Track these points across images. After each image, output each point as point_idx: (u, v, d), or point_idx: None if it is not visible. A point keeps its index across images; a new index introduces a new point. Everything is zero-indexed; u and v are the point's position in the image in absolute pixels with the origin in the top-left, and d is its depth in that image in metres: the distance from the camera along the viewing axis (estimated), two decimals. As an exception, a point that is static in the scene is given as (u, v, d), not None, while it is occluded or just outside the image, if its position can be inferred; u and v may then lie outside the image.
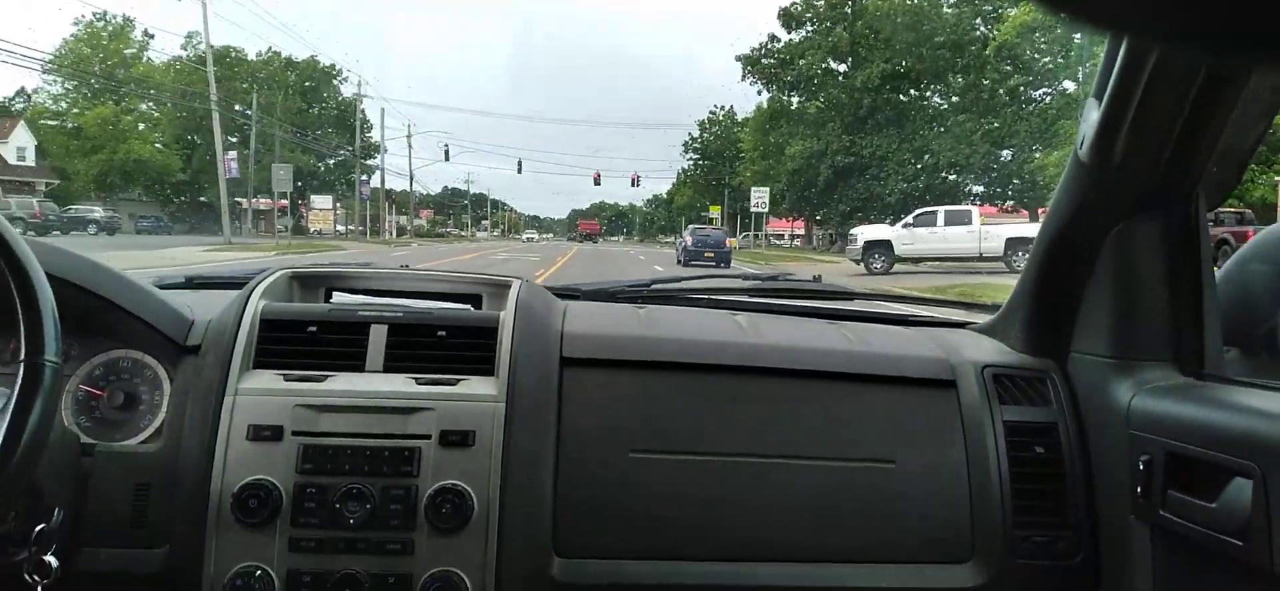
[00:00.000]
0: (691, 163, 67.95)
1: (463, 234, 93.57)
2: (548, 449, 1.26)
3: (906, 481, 1.31)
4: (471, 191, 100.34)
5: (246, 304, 1.33)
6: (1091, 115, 1.13)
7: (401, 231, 65.22)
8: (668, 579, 1.25)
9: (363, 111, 61.65)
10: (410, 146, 61.44)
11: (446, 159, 51.84)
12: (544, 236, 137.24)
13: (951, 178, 35.63)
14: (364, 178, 49.53)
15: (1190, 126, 1.07)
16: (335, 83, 60.34)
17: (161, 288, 1.45)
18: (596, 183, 55.64)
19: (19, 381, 0.95)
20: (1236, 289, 1.31)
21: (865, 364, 1.40)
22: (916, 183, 35.29)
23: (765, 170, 51.20)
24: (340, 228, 52.72)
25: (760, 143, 49.13)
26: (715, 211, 48.54)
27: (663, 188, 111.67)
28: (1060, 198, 1.29)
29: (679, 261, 26.96)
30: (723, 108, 64.76)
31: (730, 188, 62.29)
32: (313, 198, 50.13)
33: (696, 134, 66.72)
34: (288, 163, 53.28)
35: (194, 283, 1.72)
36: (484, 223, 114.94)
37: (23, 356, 0.96)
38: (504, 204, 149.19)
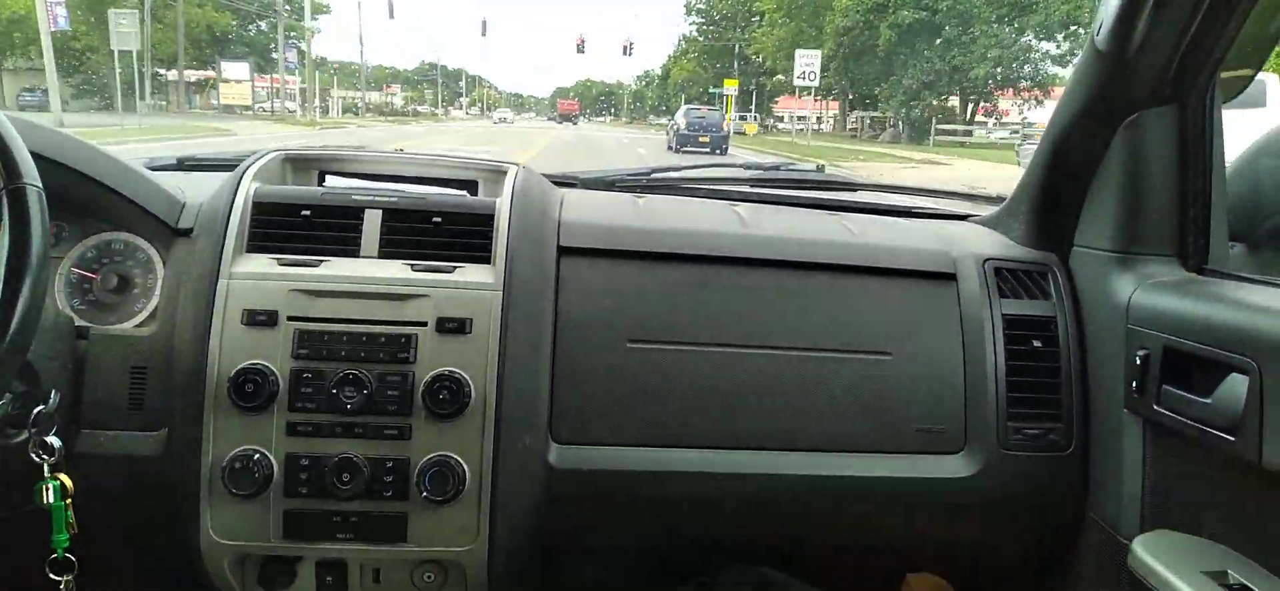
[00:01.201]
0: (695, 28, 56.29)
1: (434, 113, 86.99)
2: (545, 337, 1.29)
3: (902, 372, 1.34)
4: (441, 63, 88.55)
5: (237, 186, 1.33)
6: (1111, 1, 1.13)
7: (350, 109, 54.12)
8: (662, 465, 1.29)
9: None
10: (360, 3, 49.88)
11: (391, 16, 41.27)
12: (524, 115, 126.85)
13: (1060, 47, 25.17)
14: (295, 40, 38.33)
15: (1211, 13, 1.08)
16: None
17: (152, 169, 1.45)
18: (579, 50, 46.10)
19: (5, 213, 0.95)
20: (1246, 184, 1.31)
21: (865, 256, 1.43)
22: (1012, 50, 24.83)
23: (794, 35, 39.89)
24: (273, 105, 41.84)
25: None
26: (731, 86, 38.03)
27: (658, 62, 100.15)
28: (1073, 87, 1.29)
29: (671, 147, 24.88)
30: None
31: (743, 58, 51.23)
32: (224, 66, 39.10)
33: None
34: (205, 23, 41.87)
35: (185, 164, 1.71)
36: (461, 101, 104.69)
37: (3, 185, 0.96)
38: (484, 80, 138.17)
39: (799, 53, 26.19)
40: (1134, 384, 1.19)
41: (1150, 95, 1.21)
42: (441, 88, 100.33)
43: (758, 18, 53.53)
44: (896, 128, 33.80)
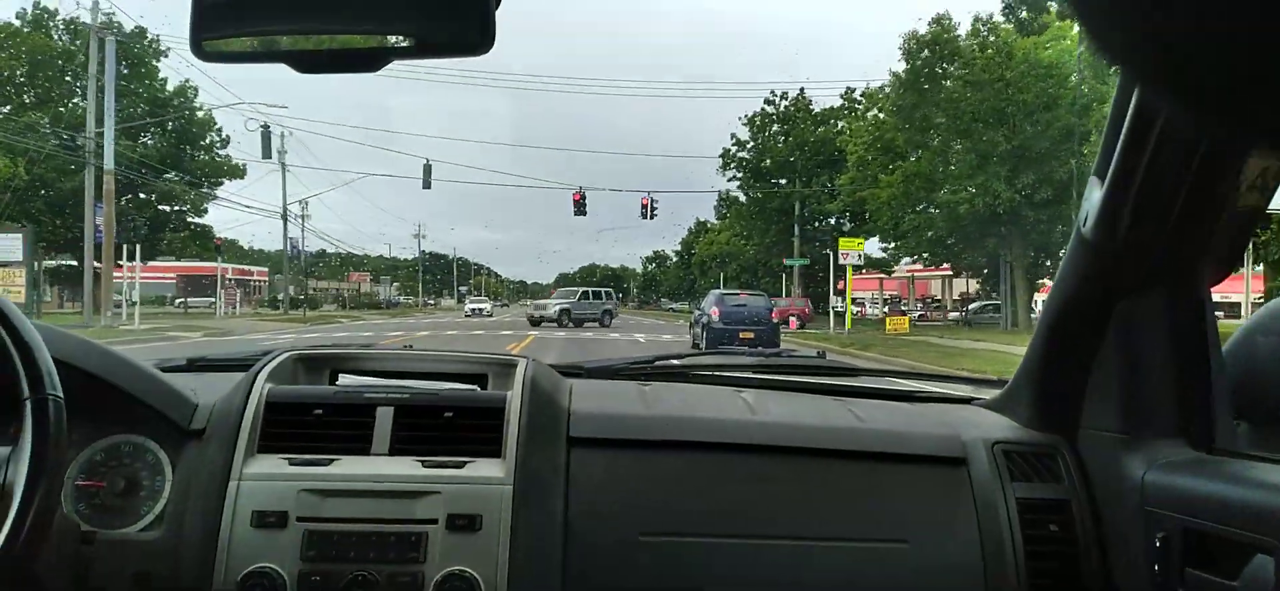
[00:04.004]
0: (735, 182, 39.35)
1: (412, 304, 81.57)
2: (556, 531, 1.32)
3: (920, 561, 1.37)
4: (429, 251, 74.76)
5: (252, 387, 1.40)
6: (1094, 194, 1.23)
7: (272, 304, 36.31)
8: None
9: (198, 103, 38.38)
10: (284, 165, 33.28)
11: (265, 152, 24.71)
12: (523, 304, 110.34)
13: None
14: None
15: (1192, 203, 1.16)
16: (150, 61, 35.37)
17: (164, 370, 1.50)
18: (578, 210, 34.47)
19: (29, 422, 1.02)
20: (1243, 362, 1.36)
21: (874, 442, 1.48)
22: None
23: (927, 170, 21.35)
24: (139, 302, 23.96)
25: (924, 114, 20.05)
26: (853, 248, 20.55)
27: (672, 242, 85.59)
28: (1065, 273, 1.38)
29: (698, 346, 19.18)
30: (781, 93, 36.47)
31: (806, 221, 33.29)
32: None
33: (744, 138, 37.89)
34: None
35: (196, 365, 1.78)
36: (462, 290, 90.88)
37: (26, 395, 1.03)
38: (485, 267, 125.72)
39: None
40: (1156, 567, 1.21)
41: (1139, 282, 1.29)
42: (423, 275, 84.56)
43: (827, 163, 35.75)
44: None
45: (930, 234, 29.06)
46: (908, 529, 1.37)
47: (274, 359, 1.48)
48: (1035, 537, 1.36)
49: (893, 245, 30.15)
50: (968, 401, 1.76)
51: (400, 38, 0.82)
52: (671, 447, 1.41)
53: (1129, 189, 1.14)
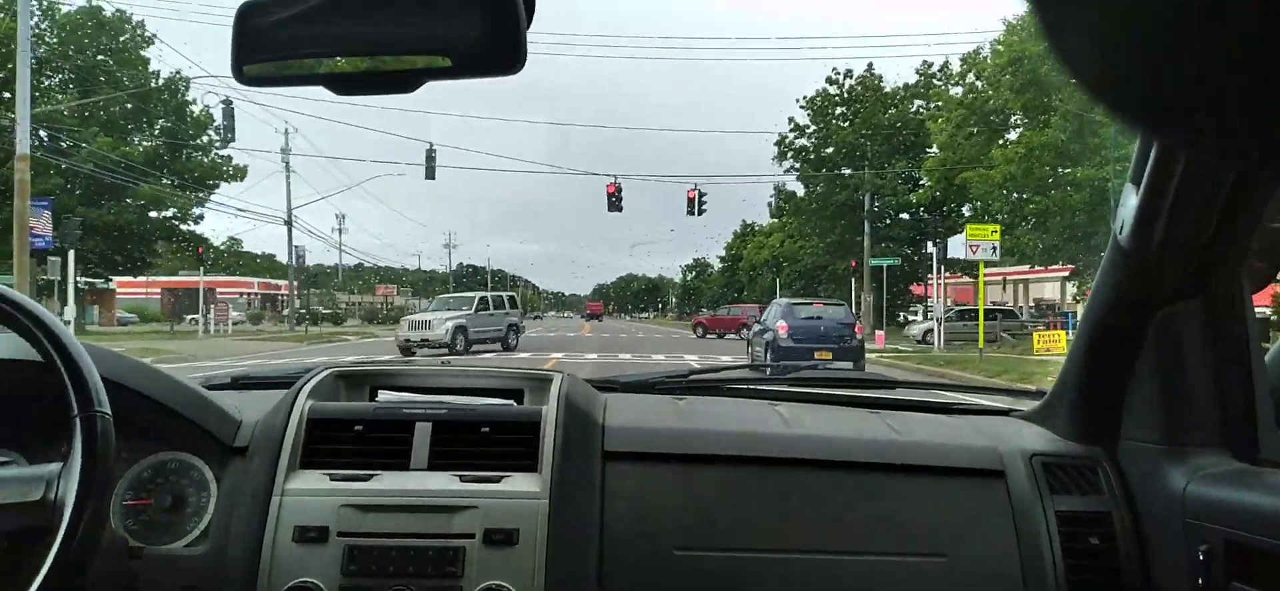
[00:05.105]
0: (793, 172, 33.90)
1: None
2: (592, 546, 1.36)
3: (959, 575, 1.39)
4: (451, 256, 73.72)
5: (294, 404, 1.46)
6: (1129, 201, 1.23)
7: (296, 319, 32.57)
8: None
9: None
10: (288, 165, 29.70)
11: (226, 134, 19.42)
12: (563, 315, 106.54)
13: None
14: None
15: (1229, 210, 1.18)
16: (137, 50, 31.67)
17: (209, 388, 1.60)
18: (614, 203, 29.52)
19: (78, 439, 1.06)
20: None
21: (911, 454, 1.49)
22: None
23: (1059, 143, 15.53)
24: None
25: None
26: (984, 236, 14.00)
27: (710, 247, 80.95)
28: (1101, 282, 1.40)
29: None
30: (846, 71, 31.52)
31: (880, 217, 27.60)
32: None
33: (804, 123, 32.51)
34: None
35: (240, 382, 1.86)
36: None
37: (76, 412, 1.06)
38: (522, 279, 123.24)
39: None
40: (1199, 580, 1.20)
41: (1177, 290, 1.29)
42: (454, 288, 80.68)
43: (901, 149, 30.20)
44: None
45: (1058, 222, 23.70)
46: (946, 543, 1.39)
47: (315, 376, 1.54)
48: (1075, 551, 1.37)
49: (1007, 236, 24.81)
50: (1006, 413, 1.78)
51: (433, 60, 0.88)
52: (707, 461, 1.44)
53: (1165, 195, 1.14)
